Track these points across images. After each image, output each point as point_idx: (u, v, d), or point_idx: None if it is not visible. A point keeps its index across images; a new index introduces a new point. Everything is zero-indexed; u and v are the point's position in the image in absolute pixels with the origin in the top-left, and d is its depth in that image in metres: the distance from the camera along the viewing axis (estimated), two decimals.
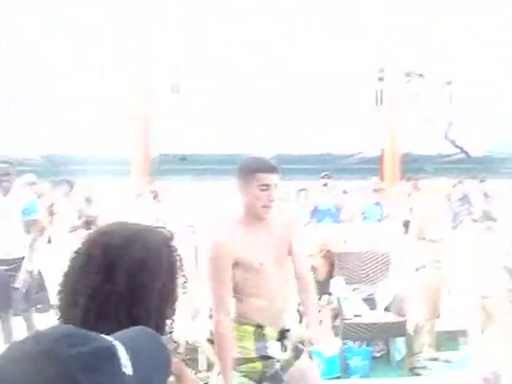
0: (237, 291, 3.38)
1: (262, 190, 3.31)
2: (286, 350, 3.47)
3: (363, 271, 6.72)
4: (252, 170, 3.35)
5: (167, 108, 14.12)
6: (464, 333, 6.64)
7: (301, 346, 3.64)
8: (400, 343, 6.48)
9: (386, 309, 6.51)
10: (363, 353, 6.30)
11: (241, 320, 3.42)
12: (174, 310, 1.54)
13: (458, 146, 15.35)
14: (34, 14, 13.11)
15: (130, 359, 1.08)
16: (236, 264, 3.32)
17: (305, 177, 12.76)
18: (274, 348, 3.43)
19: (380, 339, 6.61)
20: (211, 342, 6.29)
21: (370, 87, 15.74)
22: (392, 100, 14.68)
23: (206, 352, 6.22)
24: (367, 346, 6.44)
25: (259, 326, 3.42)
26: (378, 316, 6.35)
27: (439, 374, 6.30)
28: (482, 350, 5.62)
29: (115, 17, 13.07)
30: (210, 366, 6.22)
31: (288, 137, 14.75)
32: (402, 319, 6.25)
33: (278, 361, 3.44)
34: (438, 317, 6.97)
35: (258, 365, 3.38)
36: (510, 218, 6.82)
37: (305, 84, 15.37)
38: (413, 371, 6.33)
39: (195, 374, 6.14)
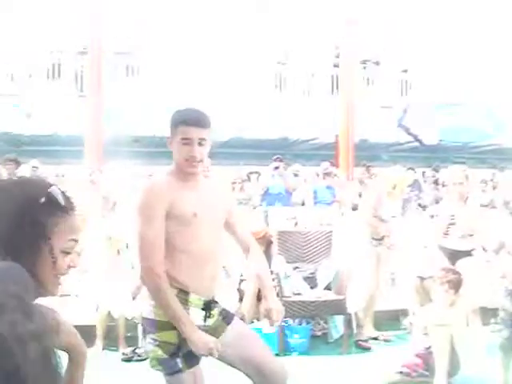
0: (166, 248, 3.07)
1: (184, 144, 3.09)
2: (210, 317, 3.20)
3: (305, 250, 6.75)
4: (175, 122, 3.13)
5: (121, 89, 14.00)
6: (405, 312, 6.73)
7: (229, 311, 3.38)
8: (339, 321, 6.55)
9: (327, 287, 6.57)
10: (302, 331, 6.36)
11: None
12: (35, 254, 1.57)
13: (411, 134, 15.51)
14: None
15: None
16: (168, 215, 3.05)
17: (260, 162, 12.77)
18: (195, 315, 3.13)
19: (319, 317, 6.67)
20: None
21: (326, 73, 15.78)
22: (348, 87, 14.75)
23: None
24: (307, 323, 6.51)
25: (183, 291, 3.11)
26: (318, 294, 6.40)
27: (377, 352, 6.39)
28: (417, 328, 5.72)
29: None
30: None
31: (244, 121, 14.75)
32: (341, 297, 6.31)
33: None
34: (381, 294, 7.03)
35: (173, 336, 3.03)
36: (451, 202, 6.88)
37: (262, 68, 15.37)
38: (352, 349, 6.41)
39: (134, 349, 6.14)
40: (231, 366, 3.26)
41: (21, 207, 1.53)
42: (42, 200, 1.53)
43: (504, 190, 11.03)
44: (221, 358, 3.16)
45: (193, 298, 3.14)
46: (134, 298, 6.47)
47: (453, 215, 6.34)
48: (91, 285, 6.36)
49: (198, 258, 3.09)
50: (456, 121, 15.73)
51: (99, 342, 6.16)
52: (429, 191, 11.81)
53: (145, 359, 5.99)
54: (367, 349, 6.47)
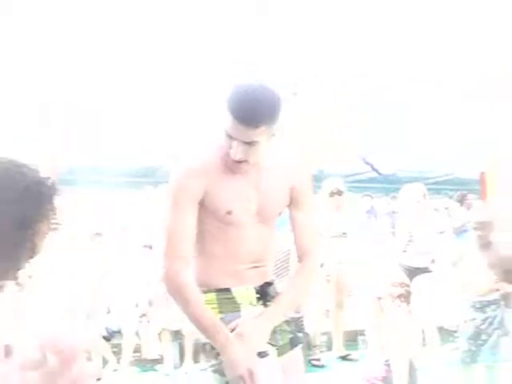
0: (202, 249, 2.52)
1: (230, 139, 2.34)
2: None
3: None
4: (228, 108, 2.31)
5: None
6: (362, 332, 6.74)
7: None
8: None
9: None
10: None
11: (201, 289, 2.51)
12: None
13: (368, 163, 15.62)
14: None
15: None
16: (202, 206, 2.45)
17: None
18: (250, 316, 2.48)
19: None
20: (106, 339, 6.24)
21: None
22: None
23: (100, 350, 6.16)
24: None
25: (223, 290, 2.50)
26: None
27: (338, 370, 6.39)
28: (375, 345, 5.72)
29: None
30: (104, 363, 6.15)
31: None
32: (298, 315, 6.28)
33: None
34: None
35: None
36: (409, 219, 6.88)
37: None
38: (309, 368, 6.38)
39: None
40: None
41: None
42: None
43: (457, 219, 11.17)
44: None
45: (236, 291, 2.51)
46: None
47: (410, 232, 6.39)
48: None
49: (237, 260, 2.52)
50: (412, 150, 15.88)
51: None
52: (384, 217, 11.96)
53: None
54: (321, 367, 6.46)
